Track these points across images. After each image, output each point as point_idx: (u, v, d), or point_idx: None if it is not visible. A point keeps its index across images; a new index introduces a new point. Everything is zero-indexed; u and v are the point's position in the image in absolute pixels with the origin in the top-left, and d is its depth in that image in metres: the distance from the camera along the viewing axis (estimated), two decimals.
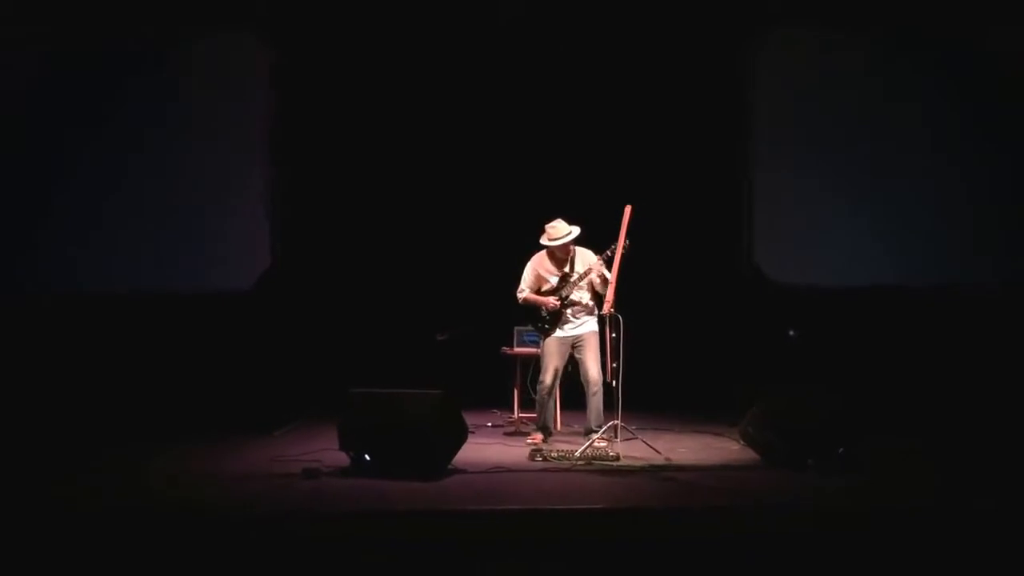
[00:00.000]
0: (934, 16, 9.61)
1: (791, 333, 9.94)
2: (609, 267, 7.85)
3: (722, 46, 10.21)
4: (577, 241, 8.15)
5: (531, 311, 8.29)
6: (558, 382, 8.26)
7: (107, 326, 9.49)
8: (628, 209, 7.82)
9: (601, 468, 7.10)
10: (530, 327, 8.51)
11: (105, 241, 9.76)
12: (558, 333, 8.17)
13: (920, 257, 9.84)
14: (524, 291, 8.31)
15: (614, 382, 7.62)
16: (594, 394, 8.01)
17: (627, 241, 7.79)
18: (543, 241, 8.16)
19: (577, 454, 7.34)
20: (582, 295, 8.17)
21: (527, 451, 7.67)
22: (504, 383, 9.41)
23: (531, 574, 5.38)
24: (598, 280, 8.00)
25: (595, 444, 7.57)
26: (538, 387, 8.28)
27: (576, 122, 10.52)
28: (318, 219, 10.64)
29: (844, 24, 9.88)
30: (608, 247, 7.86)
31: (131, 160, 9.85)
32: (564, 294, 8.12)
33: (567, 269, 8.19)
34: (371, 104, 10.57)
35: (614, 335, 7.64)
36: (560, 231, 8.08)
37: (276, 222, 10.27)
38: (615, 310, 7.68)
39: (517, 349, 9.13)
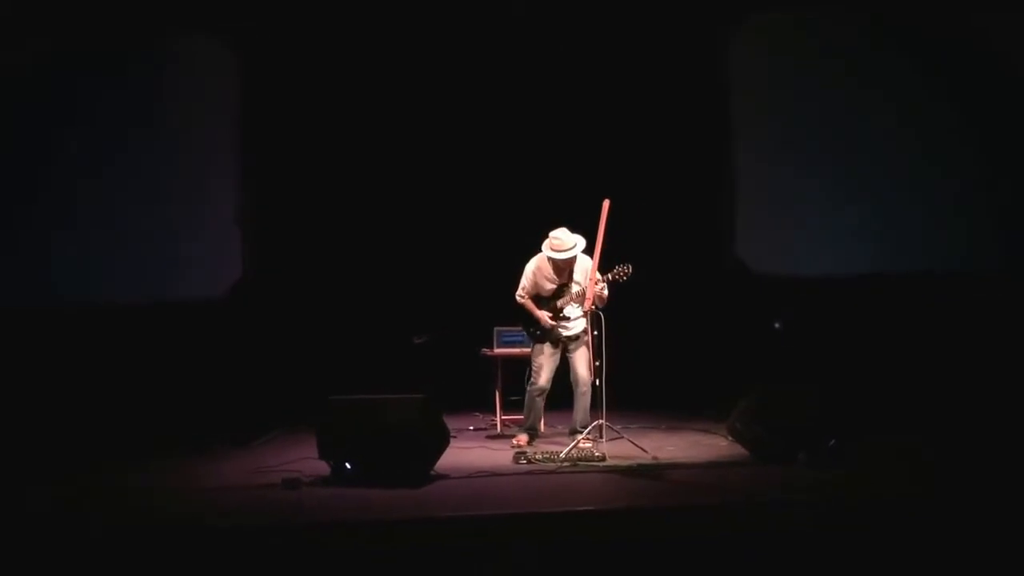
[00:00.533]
0: (918, 4, 9.61)
1: (776, 325, 9.93)
2: (609, 287, 7.82)
3: (702, 36, 10.18)
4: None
5: (525, 317, 8.22)
6: (550, 384, 8.19)
7: (78, 338, 9.35)
8: (606, 204, 7.76)
9: (587, 469, 7.04)
10: (520, 328, 8.43)
11: (76, 251, 9.65)
12: (544, 343, 8.15)
13: (903, 246, 9.88)
14: (524, 296, 8.19)
15: (597, 380, 7.58)
16: (583, 394, 8.00)
17: (628, 267, 7.78)
18: (546, 252, 8.05)
19: (562, 455, 7.27)
20: (576, 310, 8.10)
21: (511, 454, 7.61)
22: (484, 385, 9.31)
23: None
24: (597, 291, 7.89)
25: (580, 445, 7.51)
26: (530, 389, 8.21)
27: (554, 116, 10.44)
28: (290, 226, 10.54)
29: (826, 12, 9.90)
30: (615, 268, 7.81)
31: (100, 169, 9.73)
32: (559, 305, 8.07)
33: (566, 279, 8.10)
34: (342, 109, 10.48)
35: (596, 333, 7.58)
36: (565, 244, 7.96)
37: (247, 230, 10.16)
38: (596, 308, 7.63)
39: (497, 350, 9.02)
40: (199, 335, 9.66)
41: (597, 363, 7.61)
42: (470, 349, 9.29)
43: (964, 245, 9.84)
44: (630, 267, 7.82)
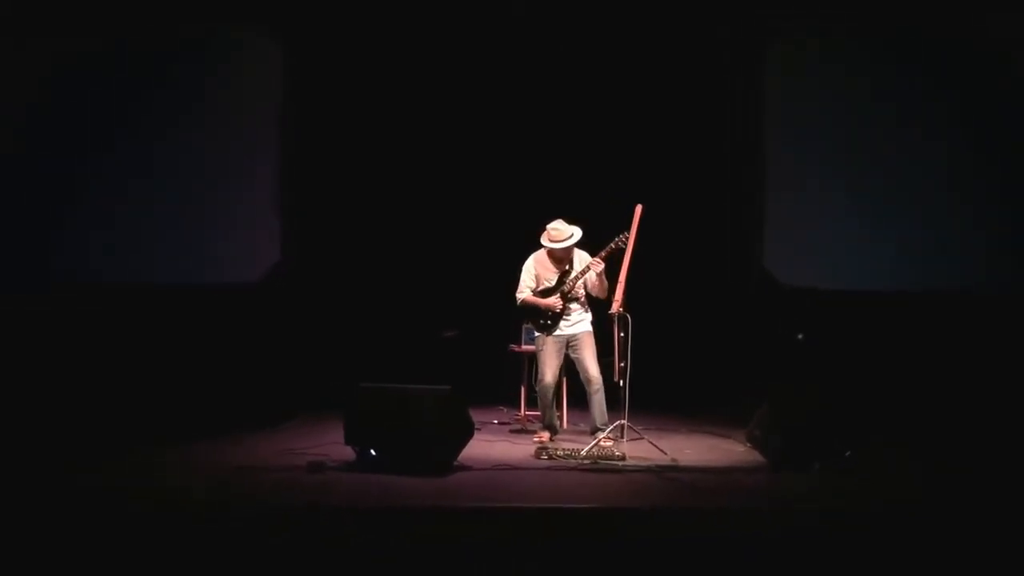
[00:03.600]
0: (951, 24, 9.61)
1: (800, 336, 9.92)
2: (618, 256, 7.85)
3: (737, 47, 10.22)
4: (577, 243, 8.16)
5: (530, 312, 8.29)
6: (556, 381, 8.23)
7: (114, 319, 9.41)
8: (639, 209, 7.84)
9: (607, 467, 7.09)
10: (530, 324, 8.47)
11: (114, 234, 9.73)
12: (554, 332, 8.18)
13: (933, 262, 9.80)
14: (524, 292, 8.28)
15: (622, 382, 7.61)
16: (596, 392, 7.99)
17: (625, 234, 7.82)
18: (544, 242, 8.15)
19: (583, 453, 7.34)
20: (578, 295, 8.18)
21: (533, 449, 7.67)
22: (511, 380, 9.39)
23: (535, 571, 5.36)
24: (594, 278, 7.98)
25: (601, 443, 7.59)
26: (538, 388, 8.27)
27: (586, 123, 10.50)
28: (327, 215, 10.63)
29: (860, 27, 9.88)
30: (614, 238, 7.85)
31: (140, 154, 9.82)
32: (565, 290, 8.12)
33: (566, 267, 8.19)
34: (381, 101, 10.56)
35: (623, 335, 7.64)
36: (563, 233, 8.06)
37: (286, 217, 10.25)
38: (624, 309, 7.69)
39: (525, 346, 9.07)
40: (234, 319, 9.74)
41: (622, 364, 7.64)
42: (499, 345, 9.37)
43: (999, 264, 9.80)
44: (626, 234, 7.86)
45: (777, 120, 10.27)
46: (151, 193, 9.79)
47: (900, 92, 9.94)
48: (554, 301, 8.13)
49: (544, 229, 8.15)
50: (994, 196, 9.76)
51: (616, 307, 7.74)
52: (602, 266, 7.92)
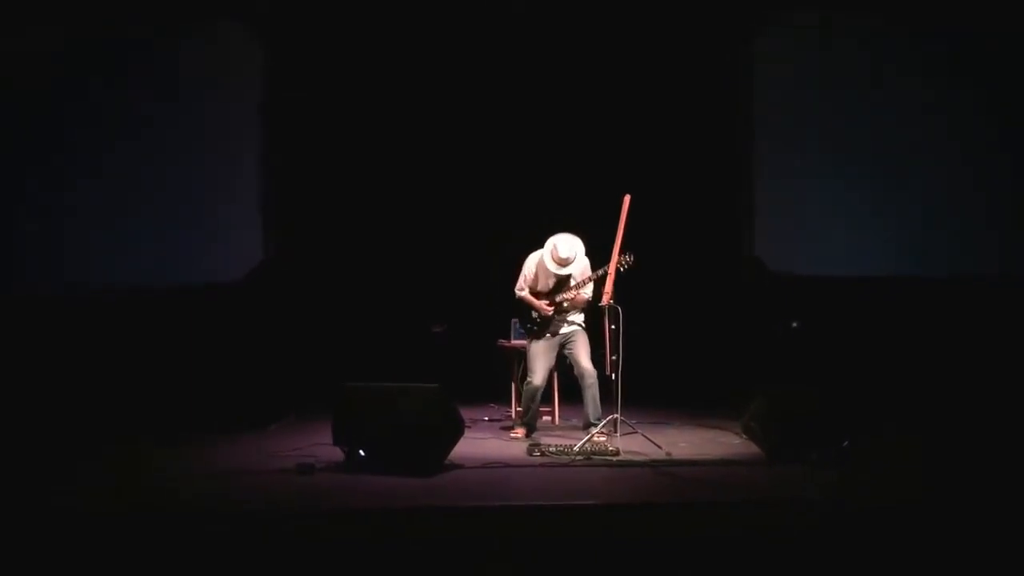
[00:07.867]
0: (942, 9, 9.65)
1: (793, 325, 9.90)
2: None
3: (724, 33, 10.20)
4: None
5: (523, 310, 8.26)
6: (546, 382, 8.18)
7: (98, 320, 9.39)
8: (627, 199, 7.77)
9: (600, 463, 7.03)
10: (518, 323, 8.46)
11: (95, 235, 9.72)
12: (541, 338, 8.15)
13: (924, 248, 9.87)
14: (524, 289, 8.23)
15: (613, 375, 7.54)
16: (589, 387, 7.94)
17: (631, 255, 7.76)
18: (548, 261, 8.02)
19: (576, 449, 7.27)
20: (576, 306, 8.15)
21: (524, 446, 7.62)
22: (501, 376, 9.31)
23: (529, 571, 5.29)
24: (581, 300, 8.04)
25: (594, 439, 7.53)
26: (526, 387, 8.21)
27: (573, 111, 10.44)
28: (312, 212, 10.57)
29: (848, 11, 9.89)
30: (618, 258, 7.80)
31: (120, 153, 9.80)
32: (557, 299, 8.08)
33: (565, 276, 8.10)
34: (366, 97, 10.50)
35: (613, 327, 7.56)
36: (568, 259, 7.93)
37: (269, 215, 10.18)
38: (614, 301, 7.61)
39: (514, 342, 9.00)
40: (219, 319, 9.70)
41: (614, 357, 7.57)
42: (487, 340, 9.29)
43: (988, 249, 9.82)
44: (632, 256, 7.82)
45: (766, 107, 10.27)
46: (132, 193, 9.77)
47: (890, 78, 10.00)
48: (546, 305, 8.08)
49: (551, 244, 8.01)
50: (986, 181, 9.84)
51: (606, 299, 7.67)
52: (588, 297, 8.04)
